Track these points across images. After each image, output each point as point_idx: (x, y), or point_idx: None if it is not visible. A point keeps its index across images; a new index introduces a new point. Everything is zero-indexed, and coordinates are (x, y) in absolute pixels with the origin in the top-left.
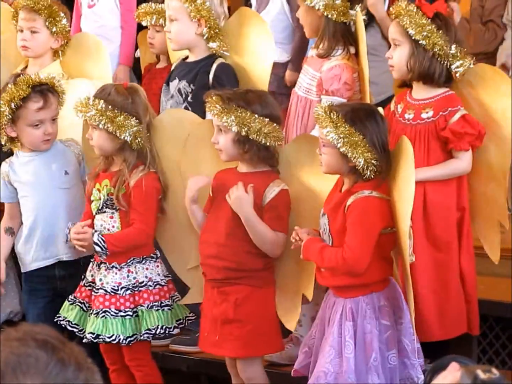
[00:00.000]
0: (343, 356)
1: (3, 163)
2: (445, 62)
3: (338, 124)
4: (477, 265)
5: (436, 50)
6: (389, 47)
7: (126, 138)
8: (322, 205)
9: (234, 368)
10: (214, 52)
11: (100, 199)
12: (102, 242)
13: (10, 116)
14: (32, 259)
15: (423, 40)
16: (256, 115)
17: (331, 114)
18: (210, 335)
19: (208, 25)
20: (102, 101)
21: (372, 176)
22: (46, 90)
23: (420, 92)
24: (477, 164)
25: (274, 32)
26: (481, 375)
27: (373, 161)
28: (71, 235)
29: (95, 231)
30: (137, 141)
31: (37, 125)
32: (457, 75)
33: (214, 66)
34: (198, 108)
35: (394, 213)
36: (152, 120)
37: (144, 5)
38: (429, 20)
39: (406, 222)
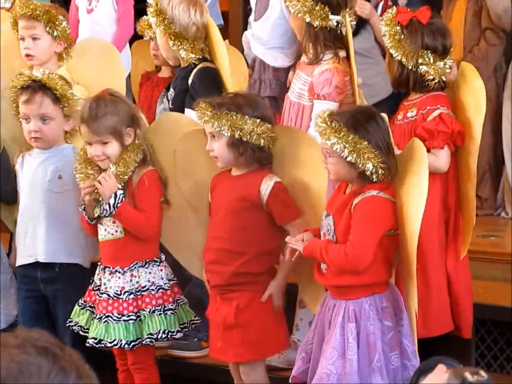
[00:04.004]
0: (346, 358)
1: (20, 155)
2: (416, 69)
3: (341, 134)
4: (476, 269)
5: (400, 58)
6: (382, 50)
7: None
8: (311, 197)
9: (237, 373)
10: (201, 57)
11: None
12: (116, 204)
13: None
14: (18, 255)
15: (390, 48)
16: (247, 117)
17: (333, 124)
18: (214, 341)
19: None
20: None
21: (381, 179)
22: (37, 87)
23: (412, 94)
24: (460, 164)
25: (274, 37)
26: (469, 377)
27: (381, 165)
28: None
29: (121, 194)
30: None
31: (26, 120)
32: (431, 82)
33: (194, 71)
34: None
35: (400, 216)
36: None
37: (145, 17)
38: (400, 28)
39: (417, 223)
